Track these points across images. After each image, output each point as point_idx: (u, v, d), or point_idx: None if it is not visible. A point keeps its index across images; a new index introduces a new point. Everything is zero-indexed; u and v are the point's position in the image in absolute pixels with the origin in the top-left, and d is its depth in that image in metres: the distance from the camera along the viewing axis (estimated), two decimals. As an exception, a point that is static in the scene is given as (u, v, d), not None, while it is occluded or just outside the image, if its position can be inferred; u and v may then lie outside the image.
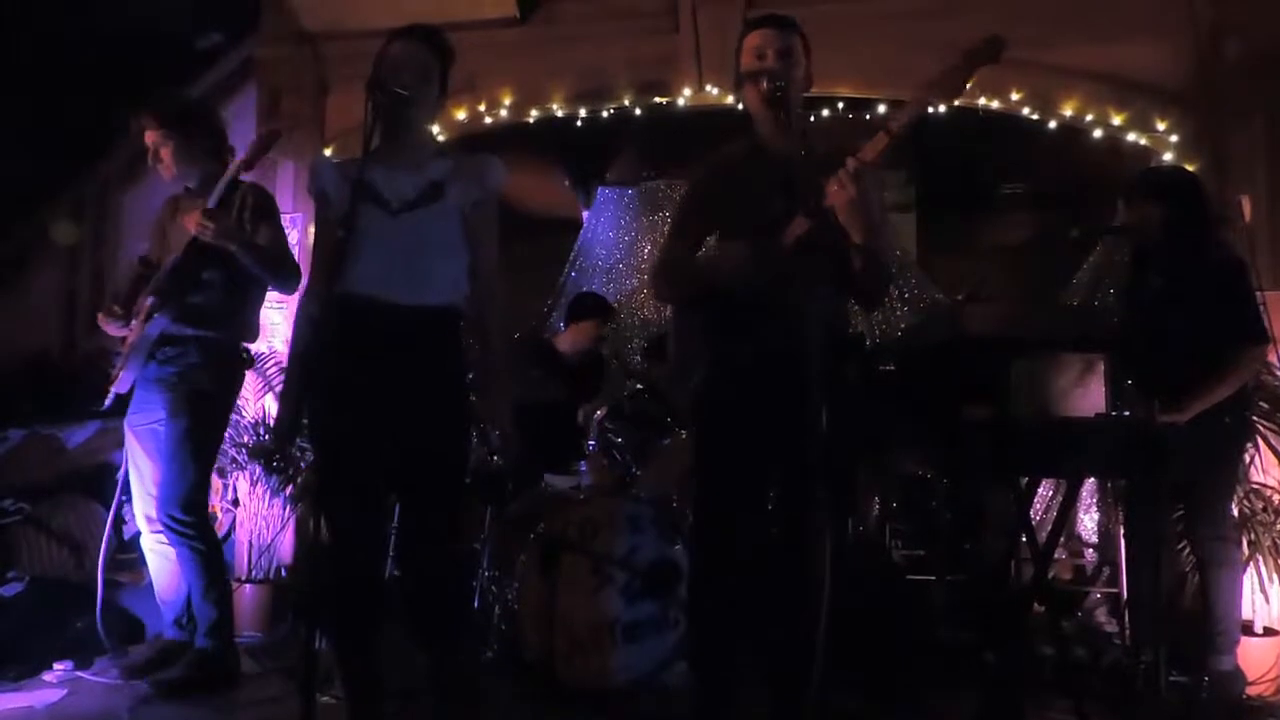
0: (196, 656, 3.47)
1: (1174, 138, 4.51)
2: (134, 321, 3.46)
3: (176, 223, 3.56)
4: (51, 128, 5.82)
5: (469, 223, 2.61)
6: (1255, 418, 3.70)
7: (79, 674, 3.55)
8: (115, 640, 3.68)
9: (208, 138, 3.64)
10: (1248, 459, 3.74)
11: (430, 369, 2.53)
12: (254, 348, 3.76)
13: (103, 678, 3.53)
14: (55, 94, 5.91)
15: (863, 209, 2.43)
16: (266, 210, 3.58)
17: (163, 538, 3.52)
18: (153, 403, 3.48)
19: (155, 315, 3.41)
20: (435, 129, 2.83)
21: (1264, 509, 3.82)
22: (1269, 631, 3.84)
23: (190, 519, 3.46)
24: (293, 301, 4.99)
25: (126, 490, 3.64)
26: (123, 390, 3.49)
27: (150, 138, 3.58)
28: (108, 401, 3.51)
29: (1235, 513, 3.68)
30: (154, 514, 3.52)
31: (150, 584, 3.68)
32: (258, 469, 4.58)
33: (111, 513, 3.68)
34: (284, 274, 3.52)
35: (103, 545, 3.63)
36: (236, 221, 3.42)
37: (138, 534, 3.71)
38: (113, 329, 3.53)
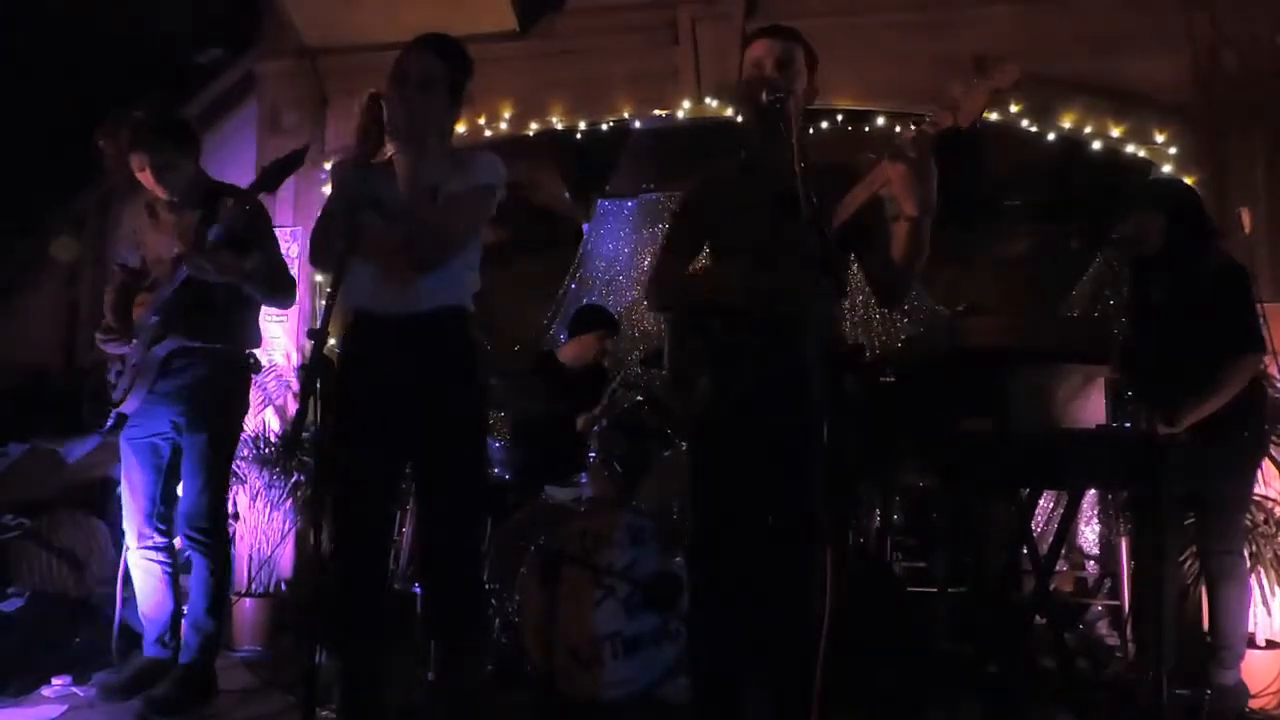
0: (184, 672, 3.39)
1: (1173, 150, 4.51)
2: (134, 340, 3.42)
3: (156, 229, 3.53)
4: (51, 143, 5.82)
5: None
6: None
7: (77, 689, 3.53)
8: (122, 654, 3.66)
9: (179, 147, 3.50)
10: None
11: (432, 377, 2.54)
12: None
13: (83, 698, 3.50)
14: (54, 109, 5.92)
15: (923, 177, 2.27)
16: (260, 229, 3.48)
17: (151, 554, 3.50)
18: (157, 415, 3.46)
19: (164, 339, 3.38)
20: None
21: (1265, 521, 3.81)
22: (1271, 644, 3.83)
23: (213, 531, 3.46)
24: (294, 315, 5.04)
25: None
26: (128, 411, 3.46)
27: (131, 160, 3.49)
28: (109, 421, 3.47)
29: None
30: (145, 529, 3.50)
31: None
32: (259, 483, 4.57)
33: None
34: (281, 293, 3.50)
35: (121, 558, 3.61)
36: (230, 238, 3.30)
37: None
38: (113, 348, 3.48)
